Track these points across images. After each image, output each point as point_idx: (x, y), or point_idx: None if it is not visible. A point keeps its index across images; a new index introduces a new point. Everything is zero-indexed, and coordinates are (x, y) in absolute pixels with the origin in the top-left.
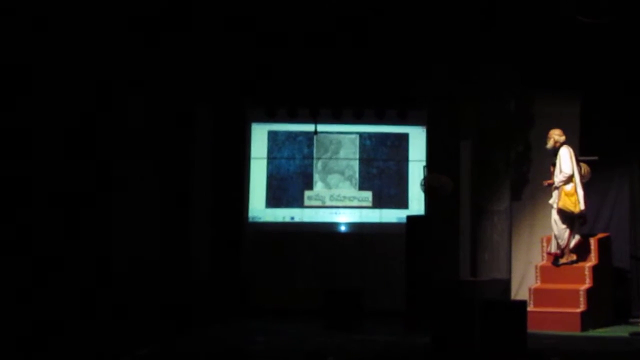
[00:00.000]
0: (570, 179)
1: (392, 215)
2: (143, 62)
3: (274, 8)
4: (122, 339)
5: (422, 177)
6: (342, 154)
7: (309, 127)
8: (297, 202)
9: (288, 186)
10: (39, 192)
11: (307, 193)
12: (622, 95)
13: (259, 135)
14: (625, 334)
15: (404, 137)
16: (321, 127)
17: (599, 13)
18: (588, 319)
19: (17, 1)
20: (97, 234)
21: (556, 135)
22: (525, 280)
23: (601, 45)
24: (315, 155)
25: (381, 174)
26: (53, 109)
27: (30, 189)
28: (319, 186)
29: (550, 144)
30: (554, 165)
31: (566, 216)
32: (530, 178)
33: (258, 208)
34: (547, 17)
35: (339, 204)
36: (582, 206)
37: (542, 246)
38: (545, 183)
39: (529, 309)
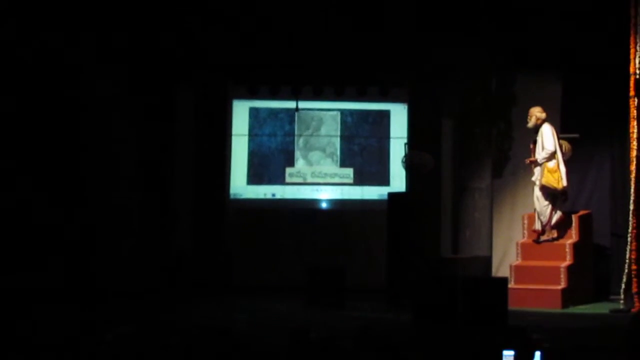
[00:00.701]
0: (552, 156)
1: (373, 192)
2: (126, 40)
3: None
4: (103, 317)
5: (403, 154)
6: (323, 130)
7: (290, 104)
8: (279, 179)
9: (269, 163)
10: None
11: (288, 170)
12: (603, 73)
13: (241, 112)
14: (606, 311)
15: (386, 114)
16: (303, 104)
17: None
18: (569, 296)
19: None
20: (76, 210)
21: (537, 112)
22: (506, 257)
23: (582, 23)
24: (296, 132)
25: (362, 151)
26: (30, 90)
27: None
28: (300, 163)
29: (531, 122)
30: (535, 143)
31: (548, 193)
32: (511, 156)
33: (240, 185)
34: None
35: (321, 180)
36: (564, 183)
37: (524, 223)
38: (528, 161)
39: (510, 286)
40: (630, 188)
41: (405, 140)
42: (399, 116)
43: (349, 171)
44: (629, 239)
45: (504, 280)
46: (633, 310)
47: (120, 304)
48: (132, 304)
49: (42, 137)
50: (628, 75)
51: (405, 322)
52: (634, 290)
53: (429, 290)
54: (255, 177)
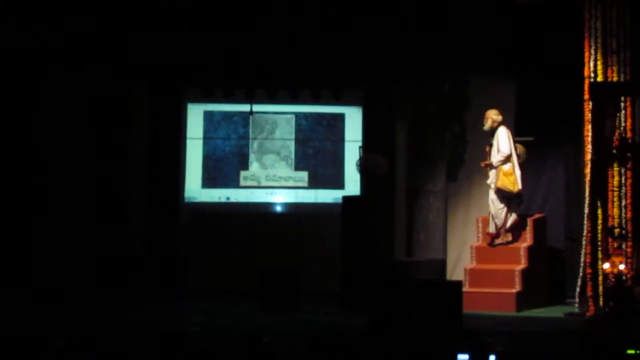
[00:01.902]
0: (508, 159)
1: (328, 196)
2: (81, 41)
3: None
4: (56, 322)
5: (358, 157)
6: (277, 134)
7: (244, 107)
8: (233, 182)
9: (224, 166)
10: None
11: (242, 173)
12: (557, 76)
13: (195, 116)
14: (560, 315)
15: (340, 117)
16: (257, 107)
17: None
18: (523, 300)
19: None
20: (29, 213)
21: (493, 115)
22: (460, 260)
23: (535, 27)
24: (251, 136)
25: (317, 154)
26: None
27: None
28: (254, 166)
29: (487, 125)
30: (490, 145)
31: (504, 196)
32: (465, 159)
33: (194, 188)
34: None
35: (275, 184)
36: (519, 186)
37: (478, 226)
38: (483, 164)
39: (464, 289)
40: (584, 191)
41: (360, 144)
42: (353, 119)
43: (304, 174)
44: (583, 242)
45: (458, 284)
46: (587, 314)
47: (72, 308)
48: (84, 308)
49: None
50: (582, 78)
51: (360, 325)
52: (589, 293)
53: (382, 294)
54: (209, 180)
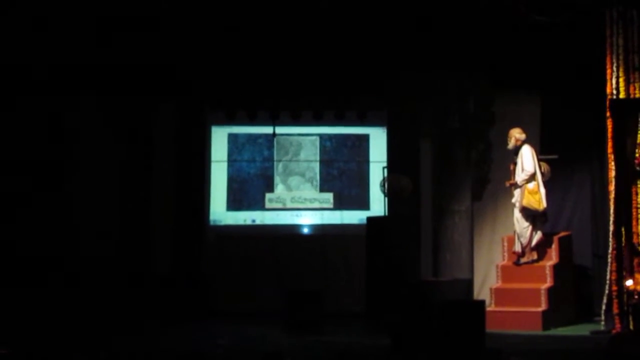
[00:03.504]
0: (532, 177)
1: (353, 217)
2: (103, 64)
3: (233, 11)
4: (81, 340)
5: (382, 178)
6: (302, 155)
7: (269, 130)
8: (258, 204)
9: (249, 189)
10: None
11: (268, 195)
12: (582, 93)
13: (219, 138)
14: (586, 333)
15: (365, 138)
16: (281, 129)
17: (556, 12)
18: (549, 318)
19: None
20: (56, 234)
21: (517, 134)
22: (487, 280)
23: (561, 44)
24: (275, 158)
25: (342, 175)
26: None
27: None
28: (279, 188)
29: (511, 143)
30: (514, 164)
31: (529, 214)
32: (491, 177)
33: (219, 211)
34: (506, 17)
35: (300, 205)
36: (544, 204)
37: (503, 245)
38: (508, 184)
39: (490, 308)
40: (610, 208)
41: (385, 164)
42: (378, 140)
43: (329, 196)
44: (609, 259)
45: (480, 303)
46: (613, 331)
47: (97, 329)
48: (107, 327)
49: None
50: (606, 96)
51: (384, 346)
52: (615, 311)
53: (407, 314)
54: (234, 202)
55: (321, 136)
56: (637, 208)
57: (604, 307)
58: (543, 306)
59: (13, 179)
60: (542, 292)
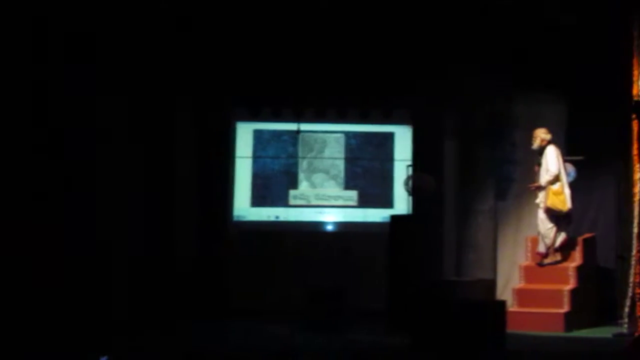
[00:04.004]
0: (557, 178)
1: (376, 215)
2: (128, 60)
3: (257, 7)
4: (103, 337)
5: (406, 177)
6: (327, 153)
7: (294, 126)
8: (282, 201)
9: (273, 185)
10: (21, 190)
11: (292, 192)
12: (608, 95)
13: (244, 134)
14: (609, 335)
15: (390, 136)
16: (307, 126)
17: (583, 13)
18: (572, 320)
19: None
20: (78, 232)
21: (542, 134)
22: (510, 280)
23: (586, 44)
24: (300, 154)
25: (366, 173)
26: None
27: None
28: (303, 185)
29: (536, 144)
30: (539, 165)
31: (553, 215)
32: (515, 178)
33: (243, 207)
34: (533, 17)
35: (324, 203)
36: (569, 205)
37: (527, 246)
38: (533, 187)
39: (512, 309)
40: (635, 210)
41: (409, 163)
42: (403, 138)
43: (353, 193)
44: (633, 262)
45: (501, 303)
46: (636, 333)
47: (120, 324)
48: (130, 325)
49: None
50: (632, 97)
51: (404, 345)
52: (638, 313)
53: (428, 314)
54: (258, 199)
55: (346, 134)
56: None
57: (627, 309)
58: (566, 308)
59: (39, 179)
60: (565, 293)
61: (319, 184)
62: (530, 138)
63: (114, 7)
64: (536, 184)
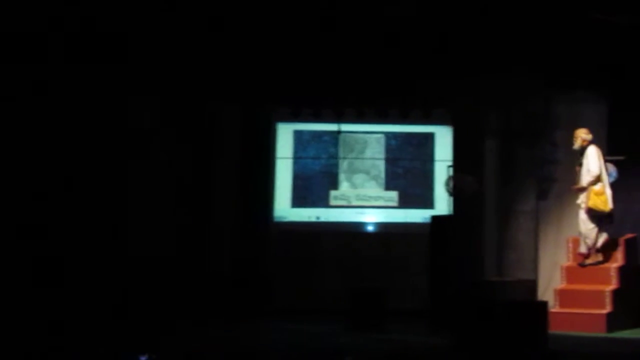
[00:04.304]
0: (598, 179)
1: (417, 215)
2: (170, 62)
3: (298, 8)
4: (144, 337)
5: (446, 177)
6: (367, 153)
7: (334, 127)
8: (323, 201)
9: (313, 186)
10: (54, 190)
11: (332, 193)
12: None
13: (285, 135)
14: None
15: (430, 137)
16: (347, 127)
17: (622, 11)
18: (614, 320)
19: None
20: (117, 233)
21: (583, 134)
22: (552, 281)
23: (628, 43)
24: (340, 155)
25: (407, 174)
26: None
27: (47, 187)
28: (344, 186)
29: (577, 144)
30: (580, 165)
31: (594, 216)
32: (556, 178)
33: (284, 208)
34: (573, 16)
35: (365, 203)
36: (610, 205)
37: (568, 246)
38: (575, 189)
39: (554, 310)
40: None
41: (449, 163)
42: (443, 138)
43: (394, 194)
44: None
45: (543, 304)
46: None
47: (161, 324)
48: (171, 324)
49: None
50: None
51: (446, 346)
52: None
53: (469, 314)
54: (299, 199)
55: (386, 134)
56: None
57: None
58: (607, 308)
59: (76, 179)
60: (607, 294)
61: (360, 184)
62: (571, 138)
63: (159, 7)
64: (578, 186)
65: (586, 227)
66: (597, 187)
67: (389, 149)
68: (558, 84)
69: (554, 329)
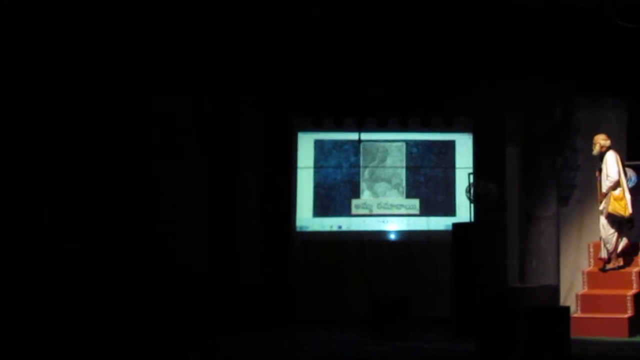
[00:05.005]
0: (617, 184)
1: (439, 223)
2: (190, 69)
3: (319, 17)
4: (171, 347)
5: (467, 184)
6: (389, 162)
7: (355, 136)
8: (345, 210)
9: (335, 195)
10: (80, 197)
11: (354, 202)
12: None
13: (306, 144)
14: None
15: (451, 144)
16: (368, 136)
17: None
18: (636, 325)
19: None
20: (144, 244)
21: (601, 140)
22: (574, 286)
23: None
24: (362, 164)
25: (428, 182)
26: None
27: (72, 194)
28: (366, 194)
29: (596, 150)
30: (599, 170)
31: (615, 221)
32: (577, 184)
33: (306, 217)
34: (592, 22)
35: (387, 212)
36: (630, 210)
37: (589, 252)
38: (600, 197)
39: (576, 315)
40: None
41: (470, 170)
42: (464, 146)
43: (415, 202)
44: None
45: (566, 309)
46: None
47: (186, 334)
48: (197, 335)
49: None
50: None
51: (469, 352)
52: None
53: (492, 320)
54: (321, 209)
55: (407, 142)
56: None
57: None
58: (629, 312)
59: (100, 191)
60: (629, 298)
61: (381, 192)
62: (591, 144)
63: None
64: (601, 194)
65: (606, 232)
66: (617, 192)
67: (410, 157)
68: (578, 90)
69: (576, 334)
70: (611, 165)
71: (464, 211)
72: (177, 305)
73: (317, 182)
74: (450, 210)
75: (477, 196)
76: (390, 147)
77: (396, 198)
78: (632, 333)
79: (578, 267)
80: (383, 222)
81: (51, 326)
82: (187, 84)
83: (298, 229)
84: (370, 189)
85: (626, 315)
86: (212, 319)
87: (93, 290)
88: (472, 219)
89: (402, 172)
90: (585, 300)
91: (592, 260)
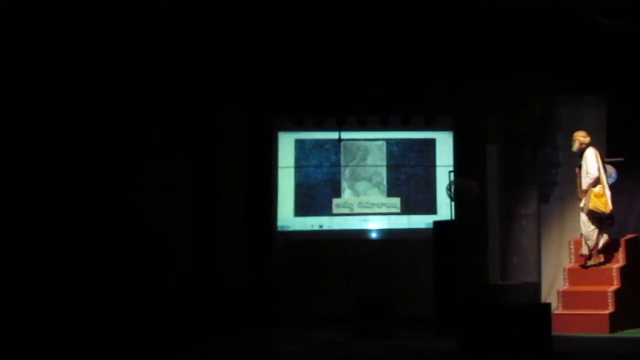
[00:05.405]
0: (597, 180)
1: (420, 221)
2: (171, 70)
3: (297, 16)
4: (154, 348)
5: (448, 182)
6: (369, 160)
7: (335, 135)
8: (326, 210)
9: (316, 194)
10: (64, 203)
11: (335, 201)
12: None
13: (286, 144)
14: None
15: (431, 143)
16: (348, 135)
17: (622, 14)
18: (617, 321)
19: None
20: (125, 245)
21: (581, 137)
22: (555, 283)
23: (626, 46)
24: (342, 163)
25: (409, 180)
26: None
27: (59, 200)
28: (347, 193)
29: (575, 146)
30: (579, 167)
31: (595, 217)
32: (558, 181)
33: (287, 217)
34: (572, 20)
35: (368, 210)
36: (610, 206)
37: (570, 248)
38: (580, 194)
39: (557, 311)
40: None
41: (451, 168)
42: (444, 144)
43: (396, 200)
44: None
45: (546, 306)
46: None
47: (169, 335)
48: (179, 336)
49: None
50: None
51: (451, 350)
52: None
53: (473, 318)
54: (302, 208)
55: (388, 141)
56: None
57: None
58: (610, 308)
59: (81, 195)
60: (610, 294)
61: (362, 191)
62: (571, 141)
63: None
64: (582, 193)
65: (587, 228)
66: (597, 189)
67: (390, 156)
68: (559, 88)
69: (558, 331)
70: (591, 162)
71: (445, 209)
72: (160, 306)
73: (298, 181)
74: (431, 209)
75: (458, 194)
76: (370, 145)
77: (377, 197)
78: (613, 329)
79: (559, 264)
80: (364, 220)
81: (50, 326)
82: (167, 84)
83: (279, 229)
84: (351, 187)
85: (607, 312)
86: (197, 323)
87: (92, 290)
88: (453, 217)
89: (383, 171)
90: (566, 297)
91: (573, 257)
